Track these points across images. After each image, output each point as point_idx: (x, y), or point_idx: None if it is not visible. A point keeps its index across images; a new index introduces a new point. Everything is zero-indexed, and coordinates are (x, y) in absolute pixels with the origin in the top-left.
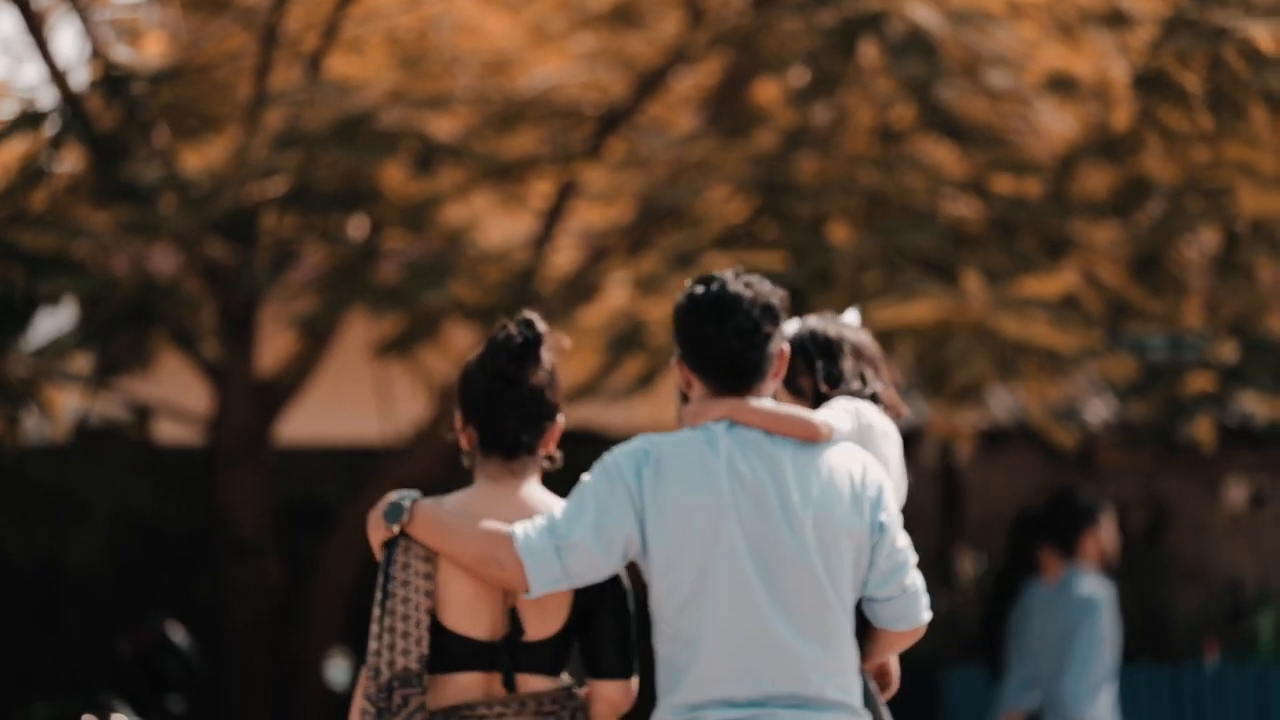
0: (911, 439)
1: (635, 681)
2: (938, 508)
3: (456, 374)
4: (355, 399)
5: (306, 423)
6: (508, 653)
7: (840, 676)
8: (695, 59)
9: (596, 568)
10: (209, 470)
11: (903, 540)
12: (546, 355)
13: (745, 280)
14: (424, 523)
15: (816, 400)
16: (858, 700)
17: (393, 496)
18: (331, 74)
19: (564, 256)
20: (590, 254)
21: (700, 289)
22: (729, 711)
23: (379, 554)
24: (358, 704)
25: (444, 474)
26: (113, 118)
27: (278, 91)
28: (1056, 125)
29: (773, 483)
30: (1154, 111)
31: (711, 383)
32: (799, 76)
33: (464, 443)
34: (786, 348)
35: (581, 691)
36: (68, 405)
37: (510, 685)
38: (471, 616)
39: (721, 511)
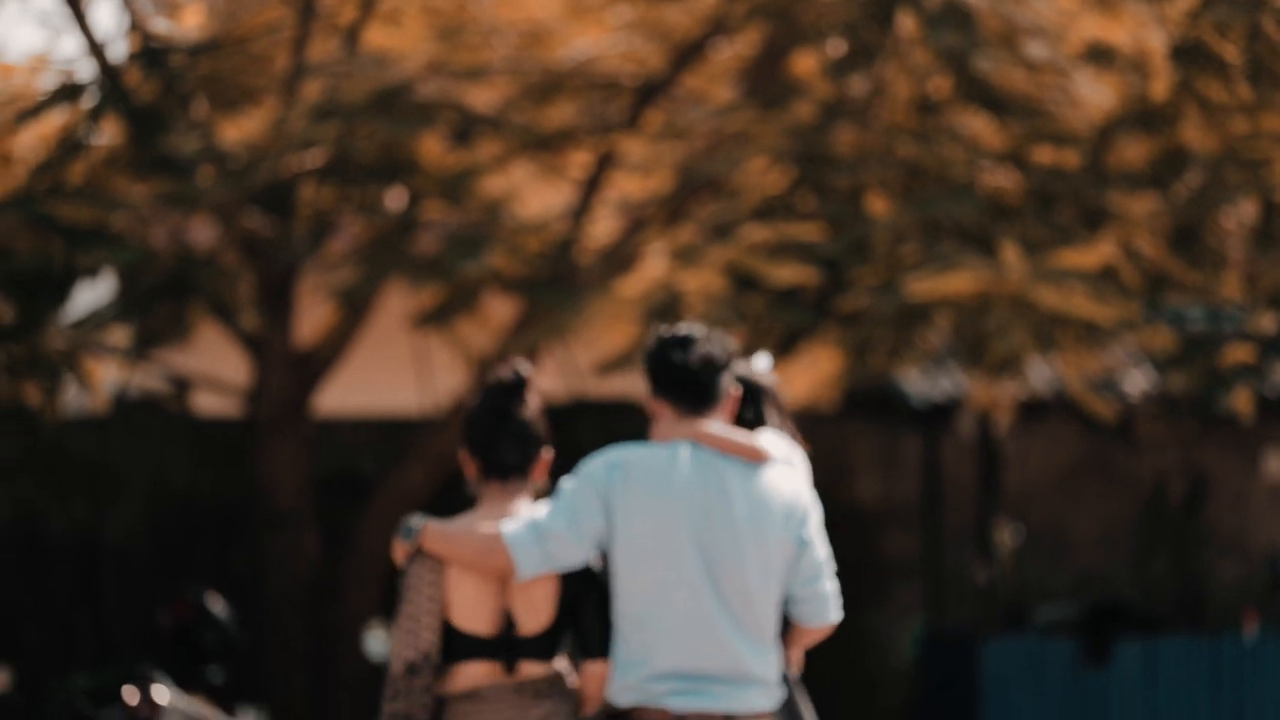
0: (950, 411)
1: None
2: (976, 479)
3: (494, 346)
4: (393, 370)
5: (345, 394)
6: (507, 644)
7: (765, 658)
8: (733, 30)
9: (572, 554)
10: (247, 442)
11: (821, 552)
12: (532, 396)
13: (702, 330)
14: (432, 538)
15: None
16: (776, 677)
17: (407, 521)
18: (369, 46)
19: (602, 227)
20: (628, 225)
21: (668, 332)
22: (677, 683)
23: (401, 567)
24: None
25: None
26: (151, 90)
27: (316, 63)
28: (1095, 96)
29: (721, 495)
30: (1192, 82)
31: (676, 404)
32: (837, 48)
33: (469, 473)
34: (737, 391)
35: (571, 680)
36: (107, 377)
37: (510, 669)
38: (475, 616)
39: (678, 516)
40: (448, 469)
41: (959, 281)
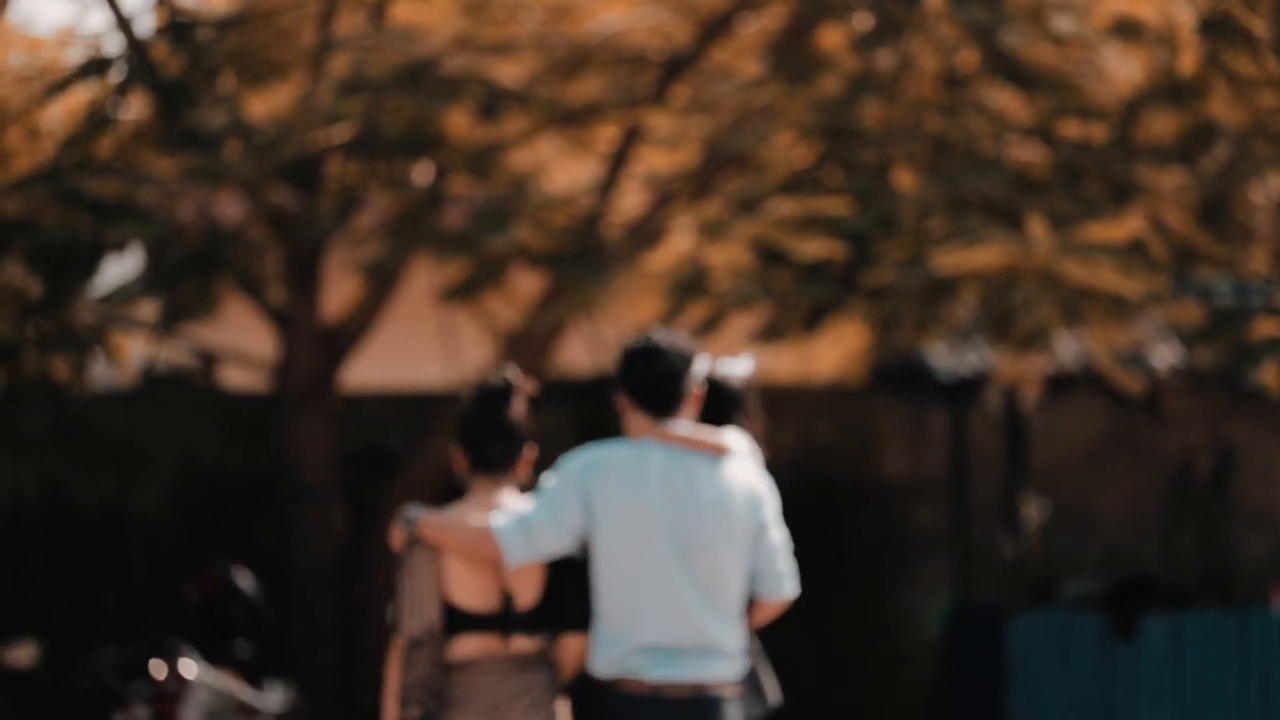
0: (977, 385)
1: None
2: (1003, 454)
3: (521, 321)
4: (420, 345)
5: (371, 369)
6: (504, 619)
7: (729, 632)
8: (760, 4)
9: (554, 544)
10: (274, 416)
11: (777, 534)
12: (518, 400)
13: (670, 338)
14: (429, 528)
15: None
16: (739, 648)
17: (405, 512)
18: (396, 20)
19: (629, 201)
20: (655, 199)
21: (639, 343)
22: (653, 656)
23: (399, 552)
24: (392, 658)
25: None
26: (178, 64)
27: (343, 38)
28: (1122, 70)
29: (689, 486)
30: (1220, 56)
31: (645, 408)
32: (863, 22)
33: (459, 466)
34: (700, 390)
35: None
36: (134, 352)
37: (505, 641)
38: (471, 594)
39: (651, 507)
40: None
41: (986, 255)
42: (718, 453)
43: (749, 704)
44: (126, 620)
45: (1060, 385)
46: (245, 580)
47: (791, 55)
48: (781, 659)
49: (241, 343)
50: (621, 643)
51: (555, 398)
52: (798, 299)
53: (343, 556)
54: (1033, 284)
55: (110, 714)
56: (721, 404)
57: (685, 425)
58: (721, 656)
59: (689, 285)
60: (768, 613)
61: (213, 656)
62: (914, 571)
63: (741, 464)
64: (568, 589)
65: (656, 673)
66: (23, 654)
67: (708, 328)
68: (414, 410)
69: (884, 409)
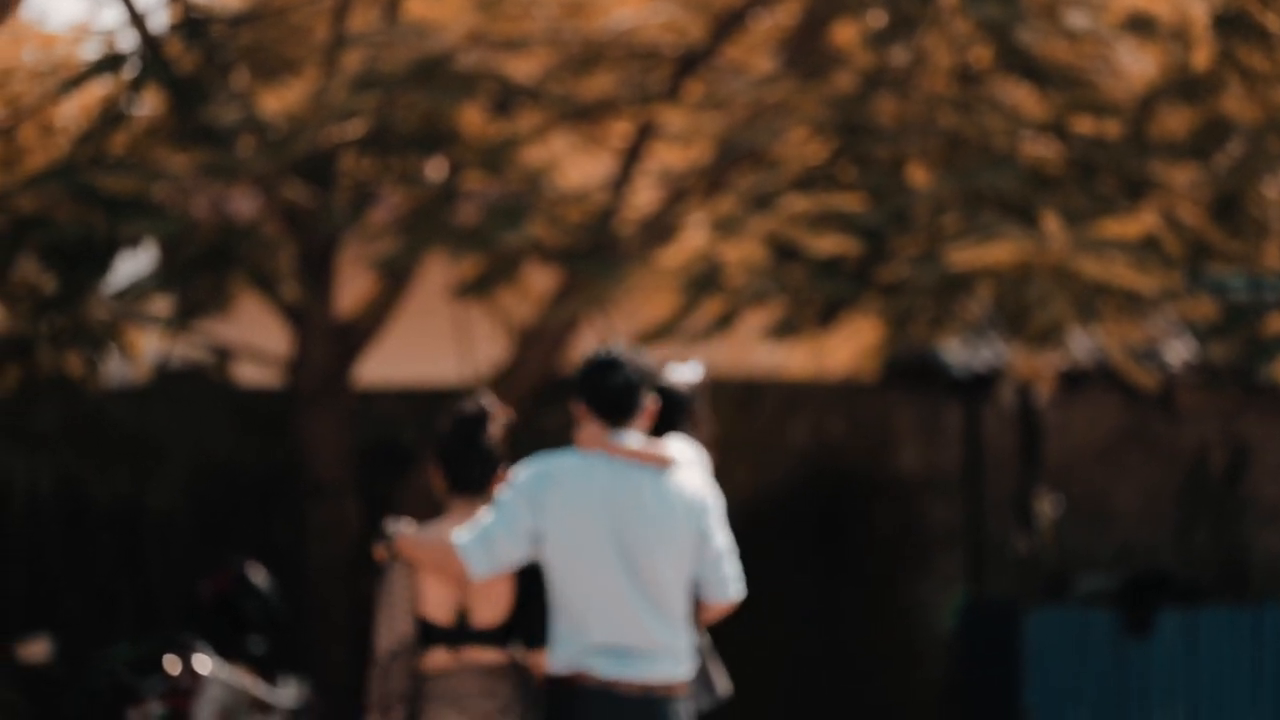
0: (991, 381)
1: None
2: (1017, 449)
3: (535, 317)
4: (434, 341)
5: (385, 364)
6: (459, 634)
7: (675, 634)
8: (774, 0)
9: (514, 553)
10: (288, 412)
11: (720, 540)
12: (493, 425)
13: (629, 354)
14: (404, 545)
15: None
16: (686, 650)
17: (385, 527)
18: (410, 16)
19: (642, 198)
20: (668, 195)
21: (598, 354)
22: (605, 654)
23: (380, 565)
24: (370, 669)
25: (521, 416)
26: (192, 60)
27: (356, 33)
28: (1136, 66)
29: (634, 497)
30: (1234, 52)
31: (600, 418)
32: (877, 18)
33: (437, 486)
34: (654, 405)
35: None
36: (148, 347)
37: (457, 654)
38: (440, 610)
39: (598, 516)
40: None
41: (1000, 251)
42: (662, 465)
43: (699, 697)
44: (141, 616)
45: (1074, 381)
46: (259, 576)
47: (805, 51)
48: (795, 654)
49: (255, 338)
50: (575, 642)
51: (569, 393)
52: (812, 295)
53: (357, 552)
54: (1047, 280)
55: (124, 709)
56: (670, 410)
57: (635, 437)
58: (668, 658)
59: (703, 281)
60: (713, 614)
61: (227, 652)
62: (928, 567)
63: (685, 474)
64: (533, 609)
65: (607, 669)
66: (37, 649)
67: (722, 324)
68: (428, 406)
69: (898, 405)
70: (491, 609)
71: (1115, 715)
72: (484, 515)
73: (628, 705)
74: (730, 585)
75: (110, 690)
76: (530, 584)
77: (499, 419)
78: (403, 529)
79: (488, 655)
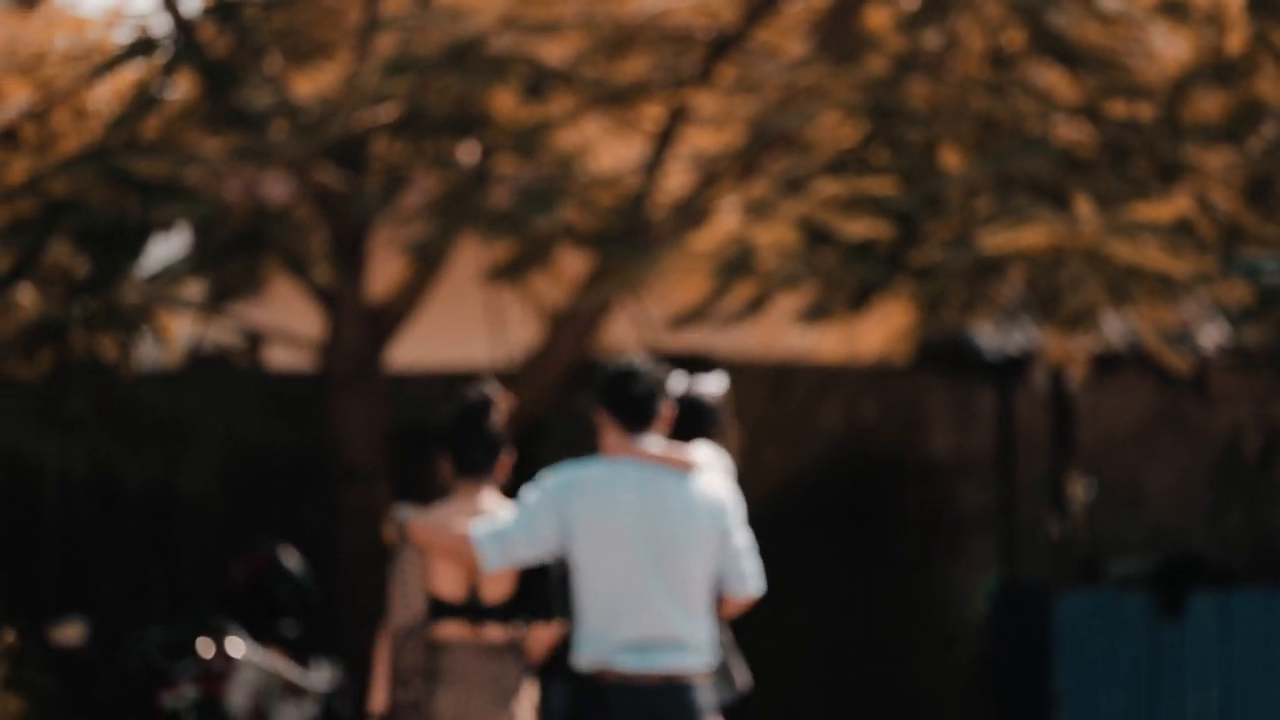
0: (1023, 364)
1: (558, 624)
2: (1049, 433)
3: (567, 300)
4: (466, 324)
5: (417, 348)
6: (473, 610)
7: (697, 628)
8: None
9: (526, 555)
10: (320, 396)
11: (740, 538)
12: (496, 412)
13: (646, 364)
14: (415, 530)
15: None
16: (705, 642)
17: (397, 512)
18: (442, 0)
19: (674, 181)
20: (701, 179)
21: (617, 366)
22: (629, 650)
23: (392, 545)
24: (382, 644)
25: (553, 399)
26: (225, 44)
27: (389, 17)
28: (1169, 49)
29: (659, 500)
30: (1268, 35)
31: (621, 425)
32: (910, 1)
33: (444, 471)
34: (670, 411)
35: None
36: (180, 331)
37: (476, 629)
38: (450, 587)
39: (625, 520)
40: (520, 423)
41: (1033, 235)
42: (685, 468)
43: (720, 689)
44: (173, 599)
45: (1107, 364)
46: (291, 559)
47: (838, 35)
48: (825, 639)
49: (287, 322)
50: (602, 640)
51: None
52: (844, 278)
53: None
54: (1080, 264)
55: (157, 693)
56: (696, 419)
57: (657, 442)
58: (690, 650)
59: (735, 265)
60: (734, 608)
61: (259, 635)
62: (960, 551)
63: (707, 477)
64: (536, 584)
65: (632, 664)
66: (71, 633)
67: (753, 307)
68: (460, 390)
69: (930, 388)
70: (498, 586)
71: (1148, 698)
72: (505, 513)
73: (651, 695)
74: (750, 581)
75: (143, 673)
76: (533, 564)
77: (502, 406)
78: (413, 514)
79: (497, 632)
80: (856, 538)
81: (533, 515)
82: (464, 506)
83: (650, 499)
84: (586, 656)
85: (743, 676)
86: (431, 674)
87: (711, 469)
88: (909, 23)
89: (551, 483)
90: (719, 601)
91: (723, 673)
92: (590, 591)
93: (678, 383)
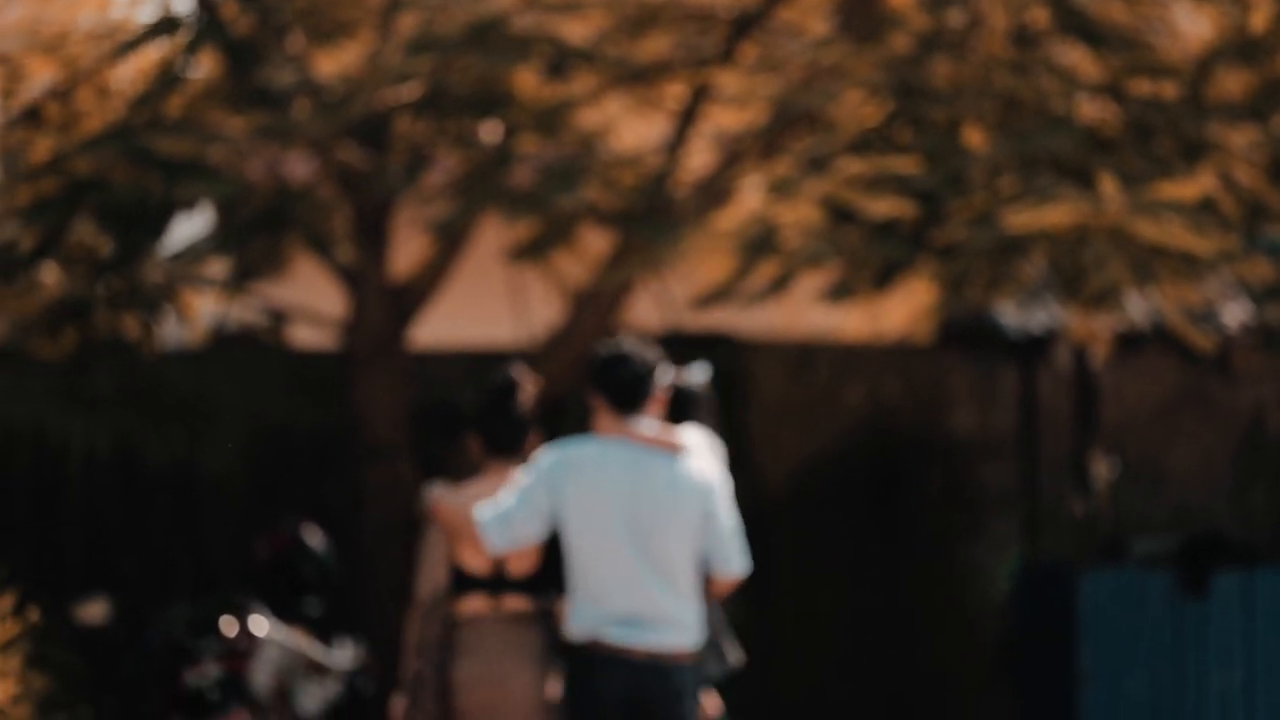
0: (1046, 343)
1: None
2: (1073, 411)
3: (590, 279)
4: (489, 303)
5: (440, 326)
6: (497, 582)
7: (683, 606)
8: None
9: (529, 532)
10: (343, 374)
11: (725, 519)
12: (523, 393)
13: (638, 348)
14: (438, 509)
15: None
16: (692, 621)
17: (427, 488)
18: None
19: (697, 160)
20: (724, 158)
21: (610, 349)
22: (618, 625)
23: (423, 519)
24: (411, 618)
25: (576, 377)
26: (247, 23)
27: None
28: (1193, 28)
29: (646, 480)
30: None
31: (614, 407)
32: None
33: (474, 450)
34: (663, 393)
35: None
36: (204, 310)
37: (498, 601)
38: (476, 561)
39: (613, 499)
40: (543, 401)
41: (1056, 214)
42: (673, 450)
43: (711, 665)
44: (197, 577)
45: (1130, 343)
46: (315, 538)
47: (860, 13)
48: (848, 617)
49: (311, 301)
50: (593, 612)
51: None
52: (867, 257)
53: (411, 513)
54: (1103, 242)
55: (181, 670)
56: (685, 405)
57: (649, 424)
58: (676, 628)
59: (758, 244)
60: (723, 587)
61: (283, 613)
62: (983, 530)
63: (694, 459)
64: (561, 562)
65: (621, 638)
66: (95, 611)
67: (777, 286)
68: (483, 368)
69: (953, 367)
70: (523, 560)
71: (1172, 677)
72: (505, 495)
73: (638, 670)
74: (734, 561)
75: (166, 652)
76: (558, 540)
77: (529, 388)
78: (442, 491)
79: (521, 603)
80: (879, 517)
81: (529, 494)
82: (494, 484)
83: (637, 478)
84: (578, 627)
85: (734, 654)
86: (450, 647)
87: (701, 452)
88: (932, 1)
89: (545, 462)
90: (707, 581)
91: (714, 649)
92: (581, 566)
93: (665, 373)
